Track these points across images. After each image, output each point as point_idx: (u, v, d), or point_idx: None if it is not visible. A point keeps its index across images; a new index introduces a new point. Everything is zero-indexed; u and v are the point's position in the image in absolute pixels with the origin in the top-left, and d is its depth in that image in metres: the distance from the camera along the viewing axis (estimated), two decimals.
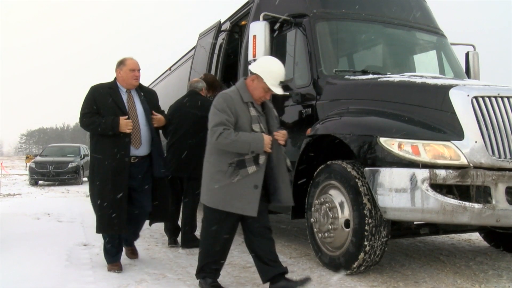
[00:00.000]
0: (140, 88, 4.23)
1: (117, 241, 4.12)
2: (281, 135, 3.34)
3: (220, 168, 3.22)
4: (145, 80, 14.08)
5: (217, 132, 3.14)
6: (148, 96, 4.27)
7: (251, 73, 3.35)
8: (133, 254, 4.52)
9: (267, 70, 3.30)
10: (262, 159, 3.21)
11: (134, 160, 4.04)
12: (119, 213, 3.91)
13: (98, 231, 4.05)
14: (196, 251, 4.82)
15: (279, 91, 3.31)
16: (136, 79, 4.12)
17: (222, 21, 6.54)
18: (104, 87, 4.11)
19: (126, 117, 3.96)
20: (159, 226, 6.20)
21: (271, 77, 3.28)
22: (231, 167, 3.17)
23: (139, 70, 4.15)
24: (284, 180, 3.36)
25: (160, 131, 4.66)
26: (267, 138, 3.20)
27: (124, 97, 4.09)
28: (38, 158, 17.69)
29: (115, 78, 4.15)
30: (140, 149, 4.08)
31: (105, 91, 4.05)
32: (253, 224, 3.36)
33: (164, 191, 4.33)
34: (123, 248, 4.33)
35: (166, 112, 5.47)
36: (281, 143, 3.35)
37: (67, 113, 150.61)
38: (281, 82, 3.32)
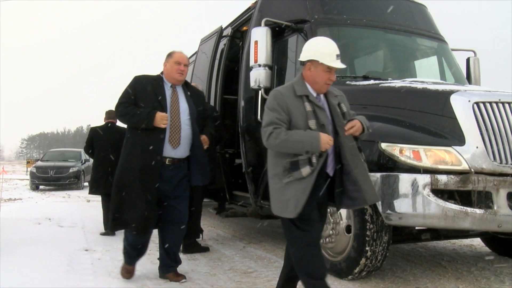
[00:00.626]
0: (187, 86, 3.93)
1: (141, 245, 3.90)
2: (349, 127, 2.89)
3: (275, 171, 2.88)
4: None
5: (267, 132, 2.83)
6: (195, 97, 3.94)
7: (303, 63, 2.99)
8: (177, 276, 3.94)
9: (318, 50, 2.93)
10: (315, 158, 2.78)
11: (169, 162, 3.69)
12: (145, 213, 3.61)
13: (113, 228, 3.84)
14: (197, 256, 4.84)
15: (339, 64, 2.96)
16: (181, 74, 3.78)
17: (223, 27, 6.57)
18: (148, 78, 3.82)
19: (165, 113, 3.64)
20: None
21: (326, 54, 2.91)
22: (285, 170, 2.82)
23: (185, 65, 3.83)
24: (365, 180, 2.91)
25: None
26: (324, 137, 2.75)
27: (168, 92, 3.77)
28: (39, 163, 17.71)
29: (162, 72, 3.88)
30: (178, 150, 3.71)
31: (148, 82, 3.76)
32: None
33: (197, 203, 4.01)
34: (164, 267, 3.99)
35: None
36: (351, 132, 2.89)
37: (68, 118, 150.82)
38: (337, 56, 2.94)
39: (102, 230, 6.76)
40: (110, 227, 3.96)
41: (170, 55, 3.83)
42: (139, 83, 3.75)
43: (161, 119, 3.58)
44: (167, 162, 3.67)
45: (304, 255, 2.88)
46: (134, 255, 3.93)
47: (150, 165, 3.60)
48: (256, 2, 5.65)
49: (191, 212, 5.10)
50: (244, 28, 6.18)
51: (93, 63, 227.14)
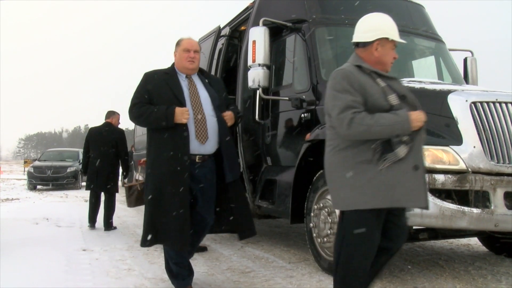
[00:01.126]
0: (203, 74, 3.54)
1: (187, 262, 3.49)
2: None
3: (362, 158, 2.46)
4: None
5: (345, 119, 2.39)
6: (214, 84, 3.56)
7: (365, 44, 2.69)
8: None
9: (385, 27, 2.71)
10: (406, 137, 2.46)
11: (199, 160, 3.29)
12: (180, 227, 3.21)
13: (147, 244, 3.39)
14: (195, 256, 4.82)
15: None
16: (191, 61, 3.37)
17: (221, 27, 6.57)
18: (159, 73, 3.43)
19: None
20: None
21: (393, 30, 2.73)
22: (376, 153, 2.43)
23: (196, 51, 3.41)
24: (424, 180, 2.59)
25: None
26: (414, 115, 2.48)
27: (184, 83, 3.39)
28: (37, 163, 17.70)
29: (173, 63, 3.50)
30: (207, 145, 3.30)
31: (160, 77, 3.38)
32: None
33: (243, 197, 3.64)
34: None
35: None
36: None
37: (66, 118, 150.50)
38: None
39: (101, 230, 6.78)
40: (142, 243, 3.47)
41: (178, 43, 3.47)
42: (150, 79, 3.39)
43: (181, 113, 3.19)
44: (197, 160, 3.28)
45: (357, 268, 2.54)
46: (186, 274, 3.45)
47: (178, 171, 3.19)
48: (254, 1, 5.65)
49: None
50: (242, 27, 6.18)
51: (91, 64, 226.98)
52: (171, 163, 3.20)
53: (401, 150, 2.42)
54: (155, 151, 3.34)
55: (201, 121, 3.28)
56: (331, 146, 2.59)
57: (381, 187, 2.42)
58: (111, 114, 7.23)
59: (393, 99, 2.49)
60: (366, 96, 2.46)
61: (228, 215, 3.51)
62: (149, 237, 3.32)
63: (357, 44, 2.72)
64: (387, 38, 2.65)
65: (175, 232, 3.22)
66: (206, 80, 3.49)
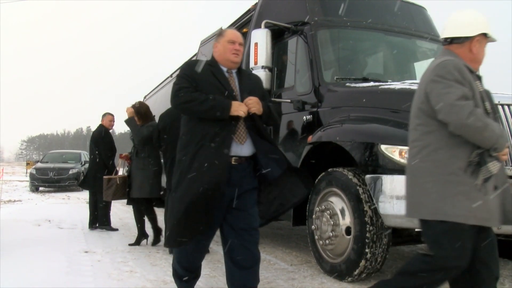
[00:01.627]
0: (240, 71, 3.20)
1: (197, 266, 3.21)
2: None
3: (455, 166, 2.28)
4: (147, 87, 14.16)
5: (467, 107, 2.19)
6: (254, 81, 3.26)
7: (463, 39, 2.45)
8: None
9: (484, 21, 2.49)
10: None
11: (235, 162, 2.99)
12: (204, 230, 2.95)
13: (169, 244, 3.21)
14: None
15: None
16: (236, 55, 3.09)
17: (223, 29, 6.58)
18: (202, 62, 3.14)
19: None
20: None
21: (489, 26, 2.50)
22: (471, 164, 2.27)
23: (240, 44, 3.13)
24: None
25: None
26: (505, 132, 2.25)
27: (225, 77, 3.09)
28: (39, 165, 17.72)
29: (212, 56, 3.19)
30: (245, 146, 3.00)
31: (206, 67, 3.08)
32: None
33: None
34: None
35: (158, 121, 5.55)
36: None
37: (68, 119, 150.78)
38: None
39: (103, 231, 6.79)
40: (166, 243, 3.36)
41: (221, 34, 3.18)
42: (193, 67, 3.08)
43: (238, 106, 2.91)
44: (233, 162, 3.00)
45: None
46: (192, 277, 3.21)
47: (218, 169, 2.90)
48: (256, 4, 5.66)
49: None
50: (244, 30, 6.18)
51: (93, 66, 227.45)
52: (210, 158, 2.90)
53: (495, 166, 2.28)
54: (194, 144, 2.96)
55: (240, 119, 2.98)
56: (419, 147, 2.38)
57: (468, 204, 2.27)
58: (103, 115, 7.33)
59: (488, 107, 2.34)
60: (473, 94, 2.30)
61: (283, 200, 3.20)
62: (179, 236, 2.98)
63: (451, 40, 2.50)
64: (485, 34, 2.46)
65: (196, 234, 2.96)
66: (244, 77, 3.20)
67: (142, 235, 5.83)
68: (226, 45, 3.09)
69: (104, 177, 6.06)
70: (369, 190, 3.60)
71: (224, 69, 3.11)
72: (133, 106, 5.77)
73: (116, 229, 6.89)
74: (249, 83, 3.16)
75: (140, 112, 5.74)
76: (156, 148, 5.62)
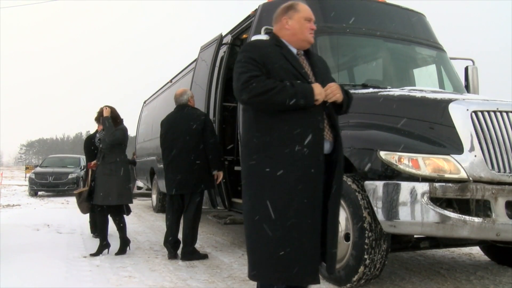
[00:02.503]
0: (309, 53, 2.69)
1: None
2: None
3: None
4: (147, 92, 14.17)
5: None
6: (324, 66, 2.80)
7: None
8: None
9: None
10: None
11: None
12: (311, 252, 2.36)
13: (264, 280, 2.45)
14: (195, 263, 4.83)
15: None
16: (312, 35, 2.62)
17: (223, 35, 6.61)
18: (268, 44, 2.59)
19: None
20: (159, 239, 6.20)
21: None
22: None
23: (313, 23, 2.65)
24: None
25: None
26: None
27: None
28: (38, 169, 17.70)
29: (274, 34, 2.66)
30: (328, 142, 2.49)
31: (274, 49, 2.53)
32: None
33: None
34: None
35: (160, 127, 5.53)
36: None
37: (68, 124, 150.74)
38: None
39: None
40: (256, 276, 2.48)
41: (293, 8, 2.61)
42: (261, 50, 2.52)
43: (321, 90, 2.42)
44: None
45: None
46: None
47: (311, 173, 2.36)
48: (256, 10, 5.69)
49: (187, 221, 5.13)
50: (244, 35, 6.21)
51: (93, 70, 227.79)
52: (301, 162, 2.35)
53: None
54: (278, 143, 2.39)
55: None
56: None
57: None
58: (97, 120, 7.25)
59: None
60: None
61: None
62: (267, 272, 2.38)
63: None
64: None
65: (307, 261, 2.34)
66: (316, 59, 2.74)
67: (105, 245, 5.40)
68: (304, 23, 2.58)
69: (75, 192, 5.98)
70: (368, 196, 3.60)
71: (294, 50, 2.60)
72: (109, 107, 5.50)
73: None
74: (321, 67, 2.69)
75: (113, 115, 5.51)
76: (124, 153, 5.55)
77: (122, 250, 5.41)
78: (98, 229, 5.61)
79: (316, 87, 2.40)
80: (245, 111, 2.59)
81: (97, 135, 5.79)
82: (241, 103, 2.57)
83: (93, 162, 5.73)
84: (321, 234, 2.40)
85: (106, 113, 5.43)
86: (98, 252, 5.30)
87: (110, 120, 5.39)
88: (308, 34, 2.59)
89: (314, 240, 2.35)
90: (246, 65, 2.45)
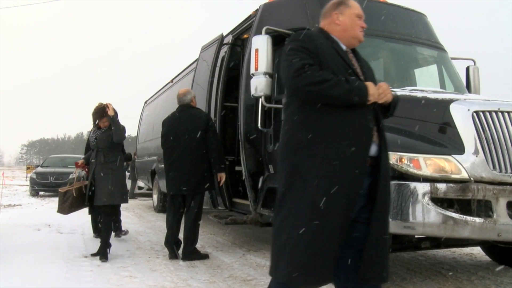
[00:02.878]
0: (355, 51, 2.58)
1: None
2: None
3: None
4: (148, 93, 14.17)
5: None
6: (369, 66, 2.63)
7: None
8: None
9: None
10: None
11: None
12: (333, 255, 2.27)
13: (294, 283, 2.26)
14: (196, 263, 4.84)
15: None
16: (362, 33, 2.54)
17: (224, 35, 6.60)
18: (319, 36, 2.45)
19: None
20: (160, 239, 6.20)
21: None
22: None
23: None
24: None
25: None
26: None
27: None
28: (39, 169, 17.70)
29: (321, 29, 2.53)
30: (374, 144, 2.36)
31: (324, 41, 2.42)
32: None
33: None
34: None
35: (160, 127, 5.52)
36: None
37: (69, 124, 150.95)
38: None
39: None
40: (279, 275, 2.32)
41: (344, 3, 2.52)
42: (314, 41, 2.39)
43: (375, 90, 2.30)
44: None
45: None
46: None
47: (355, 174, 2.25)
48: (257, 10, 5.68)
49: (188, 221, 5.13)
50: (245, 36, 6.21)
51: (94, 71, 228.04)
52: (348, 163, 2.24)
53: None
54: (323, 140, 2.26)
55: None
56: None
57: None
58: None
59: None
60: None
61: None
62: (297, 274, 2.21)
63: None
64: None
65: (323, 262, 2.25)
66: (362, 58, 2.63)
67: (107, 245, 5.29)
68: (355, 20, 2.50)
69: (60, 190, 5.66)
70: None
71: (344, 47, 2.50)
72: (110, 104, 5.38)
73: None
74: (367, 67, 2.59)
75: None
76: (121, 151, 5.50)
77: (102, 253, 5.16)
78: (104, 229, 5.34)
79: (371, 86, 2.28)
80: (288, 105, 2.44)
81: (91, 134, 5.57)
82: (291, 91, 2.37)
83: (80, 161, 5.64)
84: (362, 242, 2.27)
85: (111, 111, 5.28)
86: (98, 253, 5.22)
87: (118, 119, 5.31)
88: (359, 32, 2.50)
89: (339, 242, 2.26)
90: (299, 53, 2.31)
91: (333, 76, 2.23)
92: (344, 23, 2.47)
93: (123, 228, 6.87)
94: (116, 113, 5.38)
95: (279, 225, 2.33)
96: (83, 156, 6.42)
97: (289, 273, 2.20)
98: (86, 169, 5.61)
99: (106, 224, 5.28)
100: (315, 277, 2.23)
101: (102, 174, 5.18)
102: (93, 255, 5.22)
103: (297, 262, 2.19)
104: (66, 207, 5.55)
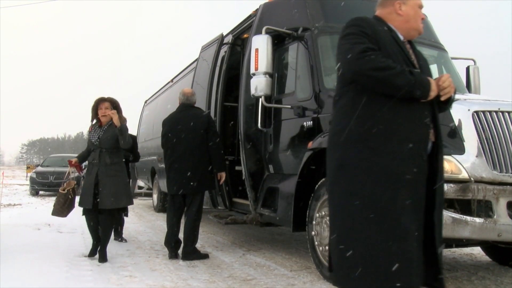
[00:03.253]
0: (412, 43, 2.49)
1: None
2: None
3: None
4: (148, 93, 14.16)
5: None
6: (423, 59, 2.54)
7: None
8: None
9: None
10: None
11: None
12: (414, 254, 2.10)
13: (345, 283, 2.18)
14: (196, 263, 4.83)
15: None
16: (422, 25, 2.46)
17: (224, 34, 6.60)
18: (377, 23, 2.32)
19: None
20: (160, 238, 6.20)
21: None
22: None
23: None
24: None
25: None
26: None
27: None
28: (39, 168, 17.72)
29: (379, 17, 2.41)
30: (429, 141, 2.28)
31: (382, 29, 2.30)
32: None
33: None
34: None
35: (161, 127, 5.49)
36: None
37: (69, 123, 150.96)
38: None
39: None
40: (337, 280, 2.27)
41: None
42: (372, 25, 2.26)
43: (436, 86, 2.18)
44: None
45: None
46: None
47: (413, 173, 2.13)
48: (257, 10, 5.68)
49: (189, 220, 5.13)
50: (245, 35, 6.21)
51: (95, 71, 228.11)
52: (411, 159, 2.12)
53: None
54: (381, 135, 2.11)
55: None
56: None
57: None
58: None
59: None
60: None
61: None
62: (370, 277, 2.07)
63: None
64: None
65: (413, 263, 2.09)
66: (416, 51, 2.53)
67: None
68: (418, 10, 2.40)
69: (61, 191, 5.25)
70: None
71: (401, 37, 2.38)
72: (111, 100, 5.12)
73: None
74: (423, 59, 2.50)
75: (116, 106, 5.12)
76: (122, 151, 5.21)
77: (93, 252, 5.10)
78: (104, 234, 5.14)
79: (433, 82, 2.16)
80: (341, 96, 2.28)
81: (92, 132, 5.17)
82: (351, 75, 2.17)
83: (74, 160, 5.25)
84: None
85: (117, 121, 4.91)
86: (91, 254, 5.12)
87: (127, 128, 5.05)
88: (420, 24, 2.41)
89: (418, 246, 2.12)
90: (359, 37, 2.16)
91: (397, 65, 2.10)
92: (407, 14, 2.36)
93: (123, 235, 6.73)
94: (124, 119, 5.09)
95: (332, 222, 2.27)
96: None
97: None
98: (79, 170, 5.23)
99: (107, 225, 5.11)
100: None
101: (107, 176, 4.91)
102: (89, 255, 5.10)
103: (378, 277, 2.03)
104: (65, 210, 5.27)
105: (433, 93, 2.15)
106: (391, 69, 2.07)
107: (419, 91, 2.10)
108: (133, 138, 6.82)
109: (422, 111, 2.17)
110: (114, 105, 5.08)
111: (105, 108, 5.01)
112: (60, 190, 5.15)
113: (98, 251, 5.03)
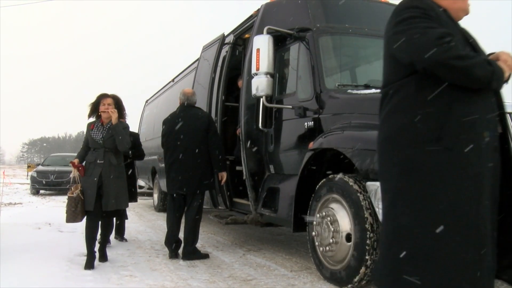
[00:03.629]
0: None
1: None
2: None
3: None
4: (149, 94, 14.16)
5: None
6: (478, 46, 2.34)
7: None
8: None
9: None
10: None
11: None
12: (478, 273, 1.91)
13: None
14: (196, 263, 4.83)
15: None
16: (469, 6, 2.29)
17: (225, 34, 6.60)
18: (433, 4, 2.08)
19: None
20: (160, 238, 6.21)
21: None
22: None
23: None
24: None
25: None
26: None
27: None
28: (40, 167, 17.73)
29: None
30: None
31: (446, 14, 2.09)
32: None
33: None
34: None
35: (161, 127, 5.48)
36: None
37: (70, 123, 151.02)
38: None
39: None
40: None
41: None
42: (433, 7, 2.04)
43: (508, 73, 2.02)
44: None
45: None
46: None
47: (489, 169, 1.94)
48: (258, 10, 5.68)
49: (189, 220, 5.13)
50: (246, 35, 6.21)
51: (96, 71, 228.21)
52: (484, 157, 1.92)
53: None
54: (455, 132, 1.89)
55: None
56: None
57: None
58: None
59: None
60: None
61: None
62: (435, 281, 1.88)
63: None
64: None
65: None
66: None
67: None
68: (467, 4, 2.24)
69: (69, 194, 4.82)
70: (370, 197, 3.60)
71: None
72: (114, 97, 4.94)
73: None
74: (476, 42, 2.26)
75: (119, 105, 4.97)
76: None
77: (101, 253, 5.00)
78: (104, 234, 5.07)
79: (506, 69, 1.95)
80: (399, 88, 2.02)
81: (95, 131, 4.85)
82: (425, 63, 1.87)
83: (76, 160, 4.85)
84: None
85: (115, 120, 4.71)
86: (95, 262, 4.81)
87: (128, 129, 4.93)
88: (468, 3, 2.19)
89: (493, 251, 1.94)
90: (428, 21, 1.89)
91: (476, 54, 1.91)
92: (458, 7, 2.15)
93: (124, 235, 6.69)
94: (121, 108, 4.93)
95: (392, 236, 1.98)
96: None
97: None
98: (82, 171, 4.86)
99: (107, 225, 5.06)
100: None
101: (112, 177, 4.72)
102: (86, 268, 4.69)
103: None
104: (78, 213, 4.82)
105: (506, 83, 1.97)
106: (472, 57, 1.86)
107: (495, 83, 1.90)
108: (136, 136, 6.83)
109: (489, 100, 1.97)
110: (117, 101, 4.93)
111: (108, 104, 4.80)
112: (68, 195, 4.87)
113: (98, 250, 5.01)
